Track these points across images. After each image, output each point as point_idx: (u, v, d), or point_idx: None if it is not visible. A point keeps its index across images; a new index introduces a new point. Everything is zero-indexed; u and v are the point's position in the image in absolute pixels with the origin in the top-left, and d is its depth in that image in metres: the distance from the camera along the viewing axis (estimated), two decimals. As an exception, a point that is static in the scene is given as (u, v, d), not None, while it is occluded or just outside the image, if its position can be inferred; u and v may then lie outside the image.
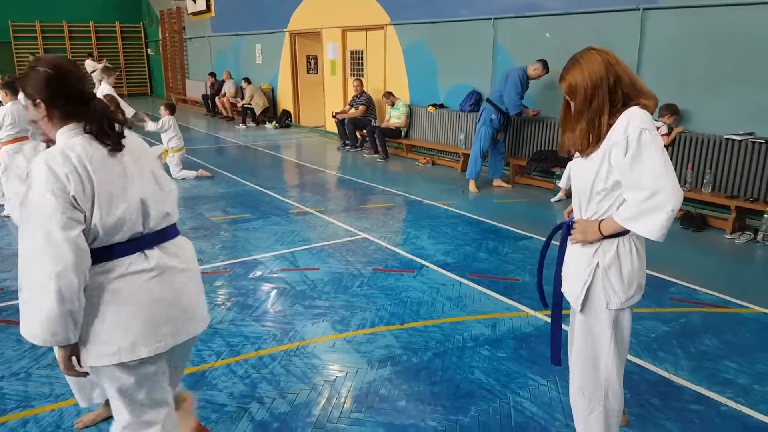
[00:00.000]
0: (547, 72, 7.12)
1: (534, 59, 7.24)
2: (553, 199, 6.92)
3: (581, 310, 2.15)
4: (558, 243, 2.30)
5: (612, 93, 1.97)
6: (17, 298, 3.34)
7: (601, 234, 2.04)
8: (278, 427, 2.69)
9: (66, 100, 1.80)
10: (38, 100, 1.78)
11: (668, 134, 6.10)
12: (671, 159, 6.06)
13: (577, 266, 2.13)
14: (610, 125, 1.98)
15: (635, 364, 3.21)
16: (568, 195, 6.94)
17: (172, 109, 7.96)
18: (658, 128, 6.15)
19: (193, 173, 8.06)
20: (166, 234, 1.95)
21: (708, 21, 5.88)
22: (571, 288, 2.17)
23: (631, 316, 2.16)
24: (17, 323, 3.62)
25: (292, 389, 2.99)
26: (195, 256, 2.10)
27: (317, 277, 4.49)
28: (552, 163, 7.28)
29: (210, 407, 2.85)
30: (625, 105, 1.98)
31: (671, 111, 6.12)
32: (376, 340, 3.49)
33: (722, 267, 4.89)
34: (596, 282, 2.08)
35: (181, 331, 1.92)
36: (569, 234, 2.18)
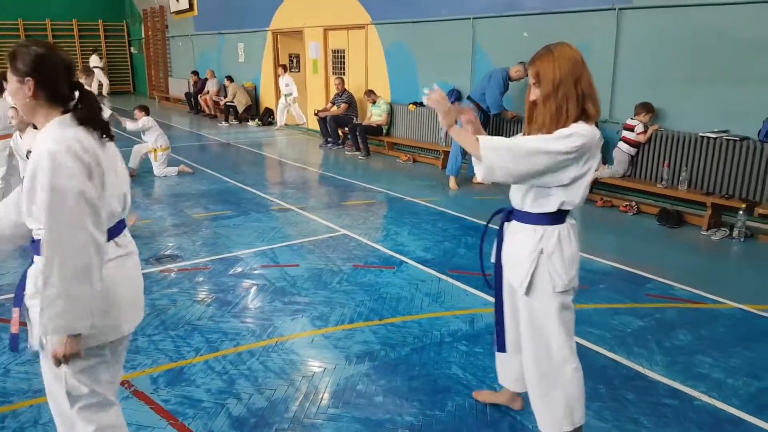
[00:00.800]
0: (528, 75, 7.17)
1: (512, 58, 7.29)
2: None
3: (526, 294, 2.22)
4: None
5: (574, 87, 2.07)
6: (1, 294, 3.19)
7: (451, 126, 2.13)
8: (255, 423, 2.69)
9: (55, 82, 1.79)
10: (28, 78, 1.76)
11: (644, 132, 6.18)
12: (648, 156, 6.13)
13: (521, 253, 2.21)
14: (573, 119, 2.07)
15: (609, 358, 3.26)
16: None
17: (146, 110, 7.99)
18: (633, 126, 6.24)
19: (174, 170, 8.04)
20: (123, 222, 1.99)
21: (683, 20, 5.97)
22: (515, 274, 2.24)
23: (573, 298, 2.28)
24: (0, 320, 3.60)
25: (269, 385, 2.99)
26: None
27: (297, 273, 4.48)
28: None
29: (188, 403, 2.84)
30: (583, 103, 2.09)
31: (647, 109, 6.20)
32: (354, 336, 3.49)
33: (698, 263, 4.97)
34: (541, 267, 2.17)
35: (140, 312, 2.01)
36: (508, 219, 2.31)
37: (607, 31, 6.61)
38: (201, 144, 11.17)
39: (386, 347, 3.36)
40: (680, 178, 5.97)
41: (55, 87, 1.79)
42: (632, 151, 6.36)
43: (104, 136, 1.84)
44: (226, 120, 13.73)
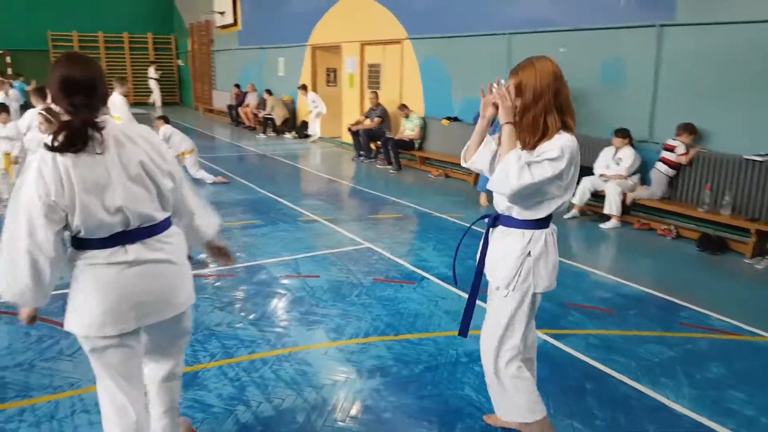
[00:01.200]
0: None
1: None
2: (566, 216, 6.79)
3: (505, 295, 2.38)
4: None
5: (554, 100, 2.20)
6: None
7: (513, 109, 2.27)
8: (261, 431, 2.65)
9: (52, 95, 1.90)
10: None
11: (686, 153, 5.96)
12: (688, 178, 5.88)
13: (509, 255, 2.34)
14: (557, 129, 2.20)
15: (633, 388, 3.09)
16: (582, 212, 6.81)
17: (166, 119, 8.29)
18: (674, 147, 6.03)
19: (211, 178, 8.20)
20: (153, 230, 2.01)
21: (728, 37, 5.76)
22: (500, 273, 2.37)
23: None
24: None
25: (279, 394, 2.95)
26: (182, 249, 2.14)
27: (317, 284, 4.45)
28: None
29: (198, 407, 2.84)
30: (562, 115, 2.22)
31: (688, 130, 5.99)
32: (368, 350, 3.43)
33: (738, 292, 4.71)
34: (525, 269, 2.32)
35: (150, 314, 2.03)
36: (495, 225, 2.43)
37: (647, 48, 6.43)
38: (239, 155, 11.38)
39: (399, 363, 3.28)
40: (723, 202, 5.71)
41: (53, 100, 1.88)
42: (671, 172, 6.14)
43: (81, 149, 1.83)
44: (264, 132, 13.99)
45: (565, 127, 2.21)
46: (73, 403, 2.85)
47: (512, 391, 2.49)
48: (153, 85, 20.30)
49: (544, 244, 2.30)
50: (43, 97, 5.93)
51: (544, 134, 2.20)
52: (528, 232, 2.31)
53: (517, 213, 2.32)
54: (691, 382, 3.18)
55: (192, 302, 2.19)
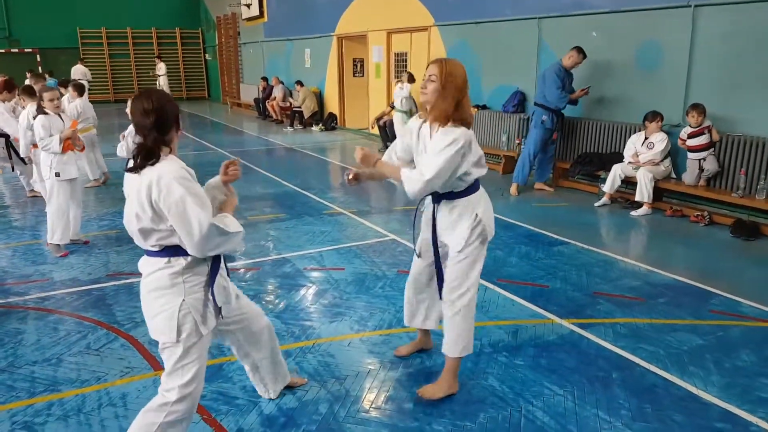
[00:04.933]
0: (585, 57, 6.89)
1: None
2: (596, 204, 6.67)
3: (461, 250, 2.77)
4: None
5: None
6: (59, 289, 3.90)
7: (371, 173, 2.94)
8: (284, 423, 2.70)
9: None
10: None
11: (708, 133, 5.88)
12: (719, 161, 5.73)
13: (463, 221, 2.77)
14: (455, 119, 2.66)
15: (660, 376, 3.05)
16: (613, 199, 6.69)
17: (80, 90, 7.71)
18: (702, 131, 5.90)
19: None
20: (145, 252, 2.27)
21: (765, 16, 5.54)
22: (458, 236, 2.78)
23: None
24: (57, 312, 3.83)
25: (302, 386, 2.99)
26: (152, 276, 2.21)
27: (341, 277, 4.49)
28: (597, 166, 7.04)
29: (222, 399, 2.89)
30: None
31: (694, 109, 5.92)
32: (391, 342, 3.45)
33: (773, 279, 4.57)
34: (478, 225, 2.77)
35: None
36: (438, 201, 2.85)
37: (681, 29, 6.24)
38: (267, 149, 11.49)
39: (422, 354, 3.29)
40: (758, 186, 5.53)
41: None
42: (696, 156, 6.01)
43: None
44: (291, 125, 14.06)
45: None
46: (99, 396, 2.92)
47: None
48: (162, 81, 20.28)
49: (485, 202, 2.85)
50: (32, 95, 5.98)
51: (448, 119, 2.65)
52: (473, 197, 2.80)
53: (455, 188, 2.77)
54: (721, 370, 3.11)
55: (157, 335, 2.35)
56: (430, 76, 2.70)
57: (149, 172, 2.08)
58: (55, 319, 3.79)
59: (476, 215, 2.77)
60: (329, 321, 3.74)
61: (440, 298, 2.94)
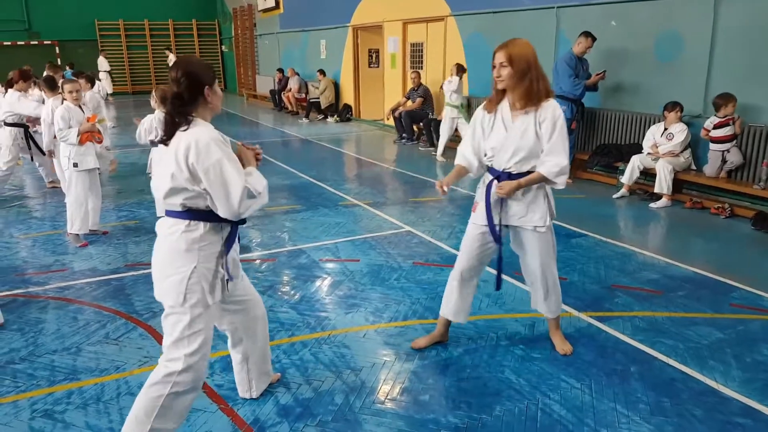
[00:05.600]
0: (594, 40, 6.80)
1: (598, 49, 6.91)
2: (615, 195, 6.59)
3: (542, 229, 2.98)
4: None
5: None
6: (78, 279, 3.95)
7: (519, 186, 2.88)
8: (300, 413, 2.71)
9: None
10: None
11: (733, 125, 5.76)
12: (742, 152, 5.63)
13: (539, 196, 2.94)
14: (547, 97, 2.76)
15: (679, 371, 3.01)
16: (632, 191, 6.60)
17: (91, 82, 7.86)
18: (727, 122, 5.78)
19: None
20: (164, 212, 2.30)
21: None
22: (540, 212, 2.95)
23: None
24: (77, 302, 3.88)
25: (318, 377, 3.01)
26: (169, 238, 2.24)
27: (356, 268, 4.49)
28: (615, 157, 6.95)
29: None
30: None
31: (725, 100, 5.78)
32: (407, 333, 3.45)
33: (796, 272, 4.48)
34: (551, 203, 3.02)
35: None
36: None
37: (702, 19, 6.11)
38: (283, 140, 11.51)
39: (438, 346, 3.29)
40: (781, 178, 5.42)
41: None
42: (720, 147, 5.89)
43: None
44: (307, 116, 14.06)
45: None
46: (118, 385, 2.95)
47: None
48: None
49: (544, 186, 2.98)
50: (53, 88, 6.03)
51: (540, 99, 2.75)
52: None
53: (518, 168, 2.89)
54: (741, 364, 3.06)
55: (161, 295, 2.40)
56: (500, 63, 2.76)
57: (185, 136, 2.12)
58: (74, 308, 3.84)
59: (544, 195, 2.95)
60: (345, 312, 3.75)
61: (497, 288, 3.18)
